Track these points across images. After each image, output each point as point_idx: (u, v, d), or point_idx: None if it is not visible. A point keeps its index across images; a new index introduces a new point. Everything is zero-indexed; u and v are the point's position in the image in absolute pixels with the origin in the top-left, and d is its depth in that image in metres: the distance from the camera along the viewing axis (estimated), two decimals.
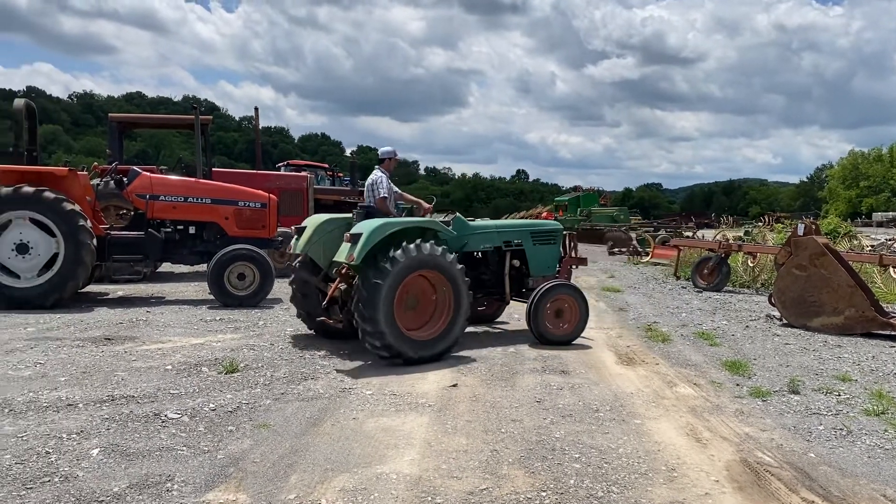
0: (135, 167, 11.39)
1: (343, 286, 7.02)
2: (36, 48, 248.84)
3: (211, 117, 14.68)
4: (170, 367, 6.29)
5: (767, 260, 13.97)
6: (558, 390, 5.86)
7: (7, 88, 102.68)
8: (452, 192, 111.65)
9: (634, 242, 21.60)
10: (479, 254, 8.20)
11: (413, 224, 7.10)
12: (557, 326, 7.71)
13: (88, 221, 9.81)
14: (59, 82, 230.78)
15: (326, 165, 26.32)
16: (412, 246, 6.67)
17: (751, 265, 14.32)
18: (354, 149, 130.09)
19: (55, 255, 9.61)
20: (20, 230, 9.56)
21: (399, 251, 6.59)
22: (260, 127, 19.16)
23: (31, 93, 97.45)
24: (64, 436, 4.41)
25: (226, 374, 6.08)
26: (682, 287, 13.81)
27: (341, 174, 25.44)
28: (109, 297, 10.95)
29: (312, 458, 4.19)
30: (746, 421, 5.19)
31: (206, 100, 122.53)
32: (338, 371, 6.31)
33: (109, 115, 14.33)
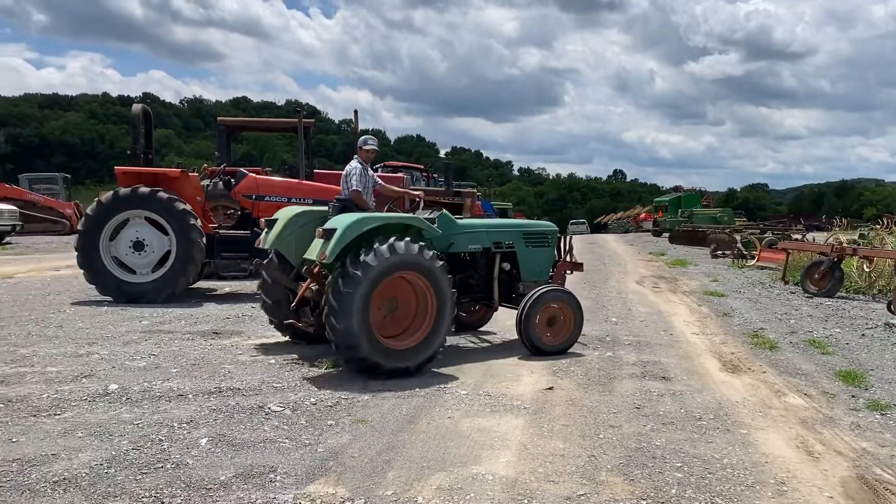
0: (242, 168, 11.86)
1: (315, 286, 6.50)
2: (150, 57, 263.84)
3: (313, 120, 15.09)
4: (273, 361, 6.51)
5: (885, 265, 13.10)
6: (658, 397, 5.69)
7: (126, 95, 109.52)
8: (547, 193, 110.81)
9: (739, 245, 20.74)
10: (467, 255, 7.53)
11: (393, 220, 6.45)
12: (550, 335, 7.08)
13: (199, 220, 10.31)
14: (171, 88, 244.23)
15: (422, 166, 26.61)
16: (390, 245, 6.00)
17: (867, 270, 13.47)
18: (449, 150, 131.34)
19: (168, 253, 10.16)
20: (137, 228, 10.16)
21: (376, 250, 5.93)
22: (359, 129, 19.57)
23: (147, 99, 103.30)
24: (175, 424, 4.63)
25: (325, 369, 6.24)
26: (791, 292, 13.14)
27: (435, 175, 25.67)
28: (217, 293, 11.46)
29: (409, 456, 4.23)
30: (863, 435, 4.88)
31: (307, 104, 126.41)
32: (433, 370, 6.36)
33: (218, 119, 14.98)
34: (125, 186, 10.25)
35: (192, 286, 11.23)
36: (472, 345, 7.61)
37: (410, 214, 7.04)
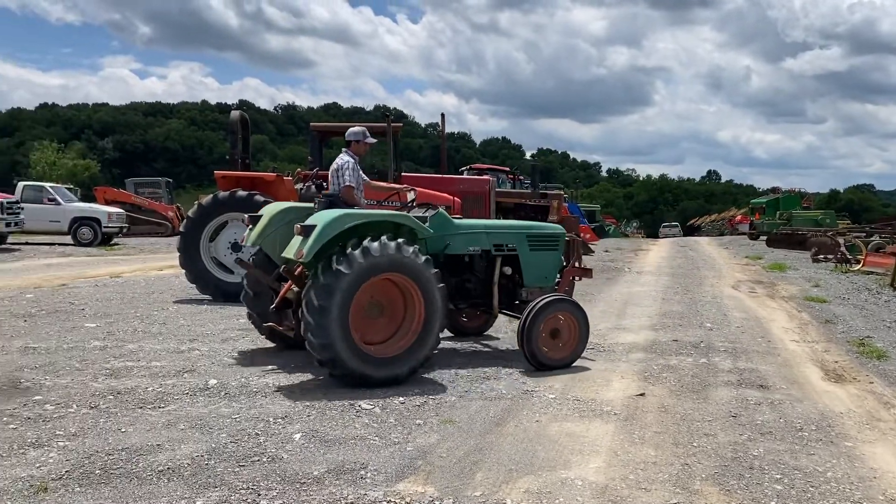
0: None
1: (296, 288, 6.03)
2: (245, 65, 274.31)
3: (401, 124, 15.30)
4: None
5: None
6: (756, 405, 5.47)
7: (223, 102, 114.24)
8: (636, 194, 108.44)
9: (843, 249, 19.69)
10: (468, 258, 6.99)
11: (379, 217, 5.99)
12: (553, 349, 6.51)
13: None
14: (265, 95, 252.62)
15: (507, 169, 26.57)
16: (375, 244, 5.58)
17: None
18: (535, 151, 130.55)
19: None
20: (235, 230, 10.58)
21: (359, 250, 5.51)
22: (445, 132, 19.73)
23: (243, 106, 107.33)
24: (271, 419, 4.79)
25: None
26: None
27: (521, 177, 25.57)
28: None
29: (497, 458, 4.23)
30: None
31: (394, 108, 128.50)
32: (520, 373, 6.33)
33: (311, 124, 15.38)
34: (224, 190, 10.69)
35: None
36: None
37: (399, 212, 6.56)
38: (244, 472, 3.90)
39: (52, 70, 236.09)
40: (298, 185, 12.95)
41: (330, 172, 7.41)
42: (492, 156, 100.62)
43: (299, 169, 13.32)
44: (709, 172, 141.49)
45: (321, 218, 5.75)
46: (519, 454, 4.30)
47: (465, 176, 20.76)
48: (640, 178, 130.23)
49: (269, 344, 7.24)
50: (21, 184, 24.36)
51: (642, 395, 5.70)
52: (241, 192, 10.56)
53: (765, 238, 30.29)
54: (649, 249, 29.00)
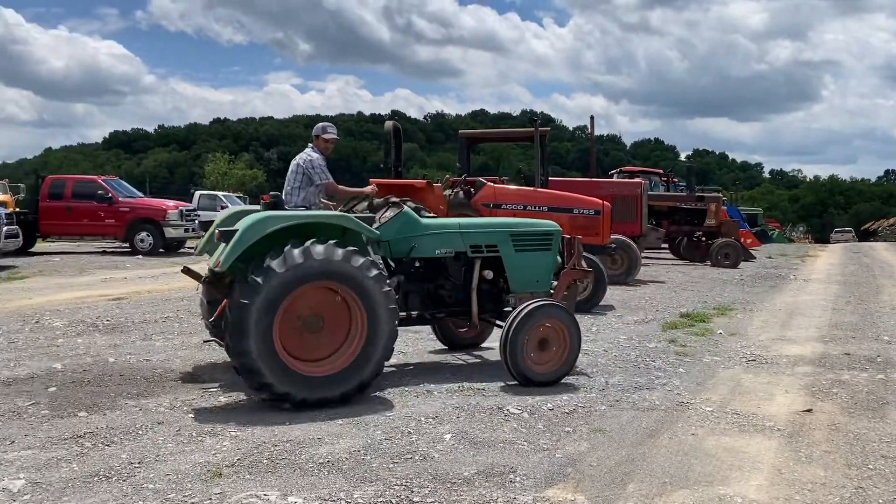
0: (481, 178, 12.32)
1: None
2: (397, 76, 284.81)
3: (549, 129, 15.24)
4: None
5: None
6: None
7: (376, 113, 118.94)
8: (803, 197, 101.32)
9: None
10: (442, 261, 6.39)
11: (312, 219, 5.43)
12: (540, 361, 5.84)
13: None
14: (415, 105, 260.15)
15: (660, 171, 25.71)
16: (297, 250, 4.97)
17: None
18: (689, 152, 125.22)
19: None
20: None
21: (278, 258, 4.92)
22: (594, 135, 19.43)
23: (395, 115, 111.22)
24: (422, 419, 4.92)
25: None
26: None
27: (676, 179, 24.65)
28: None
29: (649, 469, 4.10)
30: None
31: (541, 112, 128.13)
32: (674, 384, 6.10)
33: (460, 131, 15.68)
34: (377, 197, 11.10)
35: None
36: (716, 358, 7.18)
37: (336, 212, 5.99)
38: (398, 468, 4.04)
39: (223, 87, 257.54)
40: (447, 192, 13.24)
41: (290, 170, 7.08)
42: (643, 158, 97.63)
43: (448, 175, 13.59)
44: (886, 172, 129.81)
45: (243, 222, 5.17)
46: (673, 467, 4.15)
47: (615, 179, 20.33)
48: (807, 180, 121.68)
49: (426, 347, 7.44)
50: (197, 193, 26.69)
51: (809, 410, 5.32)
52: (394, 199, 10.90)
53: None
54: (817, 255, 27.00)
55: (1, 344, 7.38)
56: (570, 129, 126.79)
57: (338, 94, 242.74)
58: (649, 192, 17.30)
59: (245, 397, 5.43)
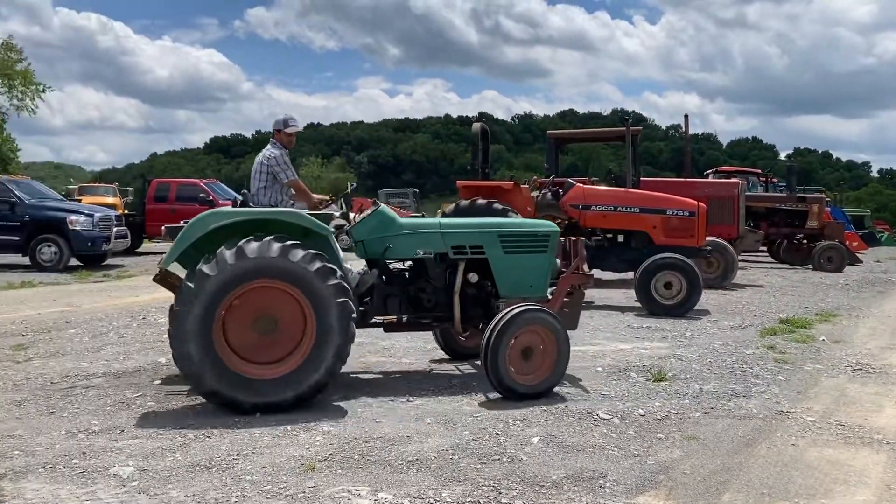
0: (569, 179, 12.19)
1: None
2: (484, 78, 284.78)
3: (640, 128, 14.95)
4: (599, 368, 6.57)
5: None
6: None
7: (464, 115, 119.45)
8: None
9: None
10: (422, 263, 6.03)
11: (254, 216, 5.25)
12: (524, 371, 5.40)
13: None
14: (502, 106, 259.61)
15: (759, 171, 24.76)
16: (229, 251, 4.80)
17: None
18: (790, 151, 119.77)
19: None
20: None
21: (211, 261, 4.80)
22: (689, 134, 18.87)
23: (483, 117, 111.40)
24: (510, 421, 4.91)
25: (654, 381, 6.11)
26: None
27: (775, 179, 23.68)
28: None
29: (746, 480, 3.96)
30: None
31: (632, 111, 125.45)
32: (773, 392, 5.85)
33: (548, 132, 15.58)
34: (465, 199, 11.19)
35: None
36: (818, 366, 6.84)
37: (287, 209, 5.75)
38: (486, 469, 4.05)
39: (316, 93, 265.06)
40: (535, 193, 13.18)
41: (253, 169, 6.86)
42: (741, 157, 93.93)
43: (535, 177, 13.52)
44: None
45: (190, 221, 5.17)
46: (772, 478, 3.98)
47: (710, 179, 19.70)
48: None
49: None
50: None
51: None
52: (481, 201, 10.97)
53: None
54: None
55: (111, 339, 7.86)
56: (663, 128, 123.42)
57: (426, 98, 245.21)
58: (747, 193, 16.64)
59: (337, 395, 5.57)
